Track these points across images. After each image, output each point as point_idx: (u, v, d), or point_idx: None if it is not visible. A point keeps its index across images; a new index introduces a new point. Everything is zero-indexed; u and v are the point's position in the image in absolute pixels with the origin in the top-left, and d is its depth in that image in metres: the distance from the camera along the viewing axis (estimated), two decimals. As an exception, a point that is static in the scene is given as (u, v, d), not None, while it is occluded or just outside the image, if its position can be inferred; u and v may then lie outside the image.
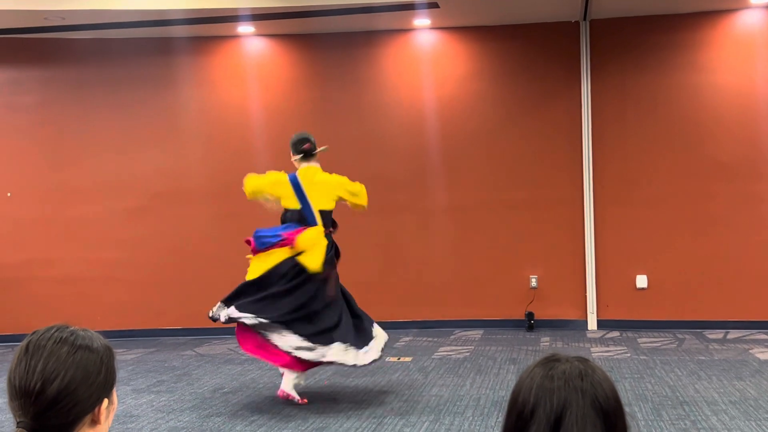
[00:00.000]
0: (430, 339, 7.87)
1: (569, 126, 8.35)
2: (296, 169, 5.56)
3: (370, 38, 8.55)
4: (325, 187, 5.50)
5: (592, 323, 8.22)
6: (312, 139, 5.58)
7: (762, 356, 6.57)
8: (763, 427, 4.48)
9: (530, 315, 8.23)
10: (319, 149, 5.58)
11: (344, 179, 5.61)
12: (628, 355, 6.82)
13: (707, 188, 8.05)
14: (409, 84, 8.55)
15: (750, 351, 6.82)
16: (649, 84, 8.19)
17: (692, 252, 8.05)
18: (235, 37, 8.62)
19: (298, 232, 5.32)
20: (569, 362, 1.44)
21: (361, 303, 5.68)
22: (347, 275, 5.83)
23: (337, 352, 5.19)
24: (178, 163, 8.64)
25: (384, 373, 6.26)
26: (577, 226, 8.31)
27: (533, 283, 8.36)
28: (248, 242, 5.40)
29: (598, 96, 8.28)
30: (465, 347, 7.41)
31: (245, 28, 8.44)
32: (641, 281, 8.17)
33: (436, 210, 8.53)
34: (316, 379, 6.08)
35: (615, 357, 6.74)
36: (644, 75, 8.19)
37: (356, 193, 5.60)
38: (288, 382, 5.30)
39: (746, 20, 8.02)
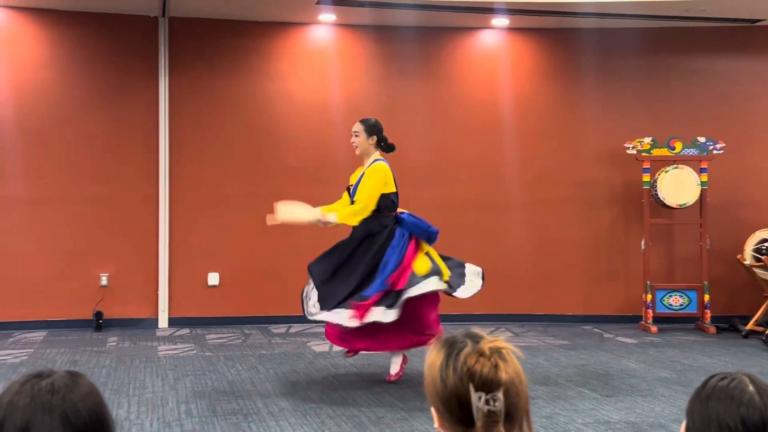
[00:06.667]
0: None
1: (147, 123, 8.25)
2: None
3: None
4: None
5: (163, 321, 8.20)
6: None
7: (317, 348, 7.08)
8: (309, 417, 4.82)
9: (99, 314, 7.97)
10: None
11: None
12: (194, 352, 6.92)
13: (277, 190, 8.42)
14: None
15: (308, 344, 7.31)
16: (225, 87, 8.40)
17: (261, 251, 8.40)
18: None
19: None
20: (50, 377, 1.42)
21: None
22: None
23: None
24: None
25: None
26: (152, 223, 8.23)
27: (104, 281, 8.11)
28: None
29: (176, 94, 8.28)
30: (24, 350, 6.94)
31: None
32: (213, 279, 8.34)
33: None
34: None
35: (181, 355, 6.79)
36: (221, 78, 8.38)
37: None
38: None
39: (315, 35, 8.60)
